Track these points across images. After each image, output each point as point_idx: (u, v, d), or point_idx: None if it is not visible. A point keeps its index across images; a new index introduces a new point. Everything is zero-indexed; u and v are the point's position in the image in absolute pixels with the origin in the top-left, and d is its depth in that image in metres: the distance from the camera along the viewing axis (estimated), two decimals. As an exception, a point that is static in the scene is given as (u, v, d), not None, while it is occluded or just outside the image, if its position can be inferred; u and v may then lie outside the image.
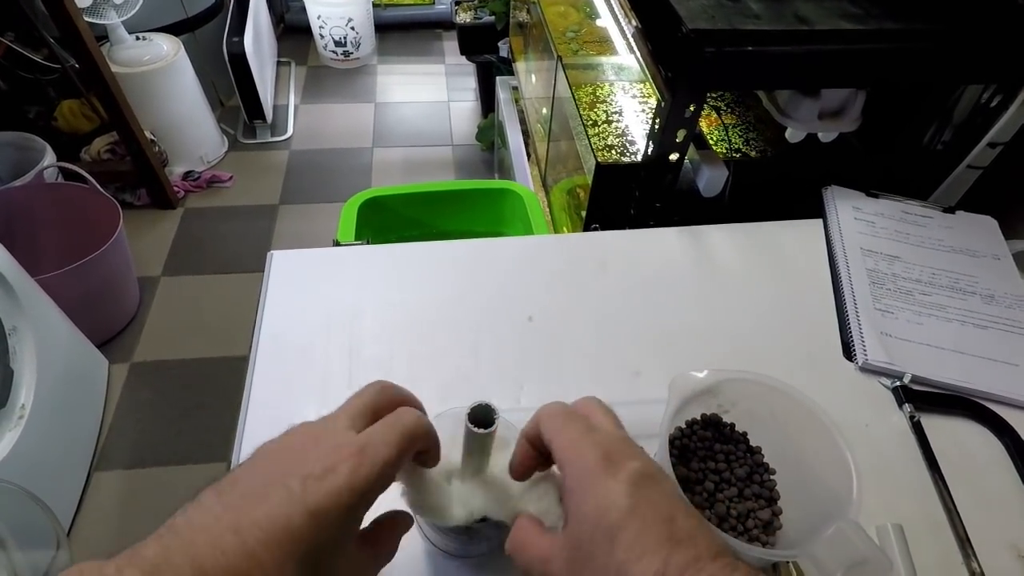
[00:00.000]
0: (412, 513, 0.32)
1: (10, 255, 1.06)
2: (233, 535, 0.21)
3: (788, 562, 0.42)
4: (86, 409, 1.27)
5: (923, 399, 0.51)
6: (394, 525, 0.29)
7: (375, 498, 0.25)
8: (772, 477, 0.40)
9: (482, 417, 0.31)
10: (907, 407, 0.51)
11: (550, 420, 0.28)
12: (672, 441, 0.39)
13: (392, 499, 0.29)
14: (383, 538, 0.28)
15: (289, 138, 2.13)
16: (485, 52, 1.91)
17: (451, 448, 0.34)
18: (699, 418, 0.40)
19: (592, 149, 0.78)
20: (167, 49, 1.74)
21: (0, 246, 1.04)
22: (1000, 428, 0.50)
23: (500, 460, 0.35)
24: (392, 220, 1.06)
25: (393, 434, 0.25)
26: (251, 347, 0.55)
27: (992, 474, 0.47)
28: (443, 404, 0.52)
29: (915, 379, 0.53)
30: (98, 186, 1.44)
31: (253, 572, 0.21)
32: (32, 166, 1.48)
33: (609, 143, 0.80)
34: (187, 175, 1.89)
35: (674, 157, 0.67)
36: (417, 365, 0.54)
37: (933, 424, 0.50)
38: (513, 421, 0.42)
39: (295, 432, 0.26)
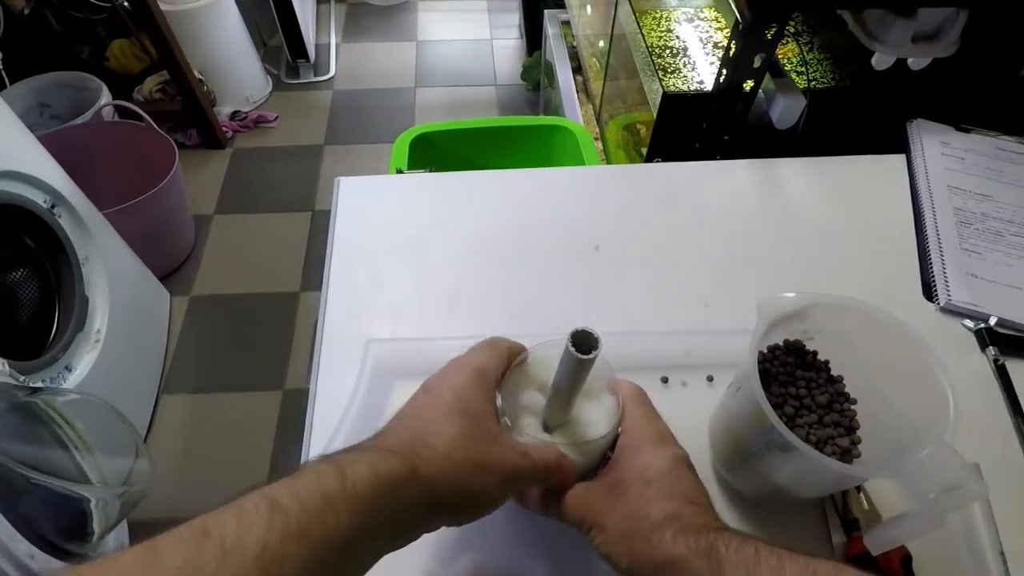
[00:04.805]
0: None
1: (79, 189, 1.09)
2: (481, 453, 0.30)
3: (860, 492, 0.42)
4: (152, 337, 1.34)
5: (1008, 343, 0.49)
6: None
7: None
8: (852, 407, 0.39)
9: (584, 342, 0.30)
10: (991, 350, 0.49)
11: (630, 395, 0.37)
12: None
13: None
14: None
15: (332, 78, 2.11)
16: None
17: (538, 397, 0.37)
18: (782, 344, 0.39)
19: (659, 78, 0.75)
20: (212, -15, 1.72)
21: (71, 181, 1.08)
22: (1091, 371, 0.48)
23: (585, 408, 0.36)
24: (440, 158, 1.05)
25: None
26: (324, 271, 0.56)
27: (1080, 416, 0.46)
28: (512, 330, 0.52)
29: (1001, 322, 0.51)
30: (154, 124, 1.46)
31: (489, 482, 0.30)
32: (88, 105, 1.51)
33: (675, 73, 0.76)
34: (234, 115, 1.90)
35: (748, 85, 0.64)
36: (485, 291, 0.54)
37: (1018, 369, 0.48)
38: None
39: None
